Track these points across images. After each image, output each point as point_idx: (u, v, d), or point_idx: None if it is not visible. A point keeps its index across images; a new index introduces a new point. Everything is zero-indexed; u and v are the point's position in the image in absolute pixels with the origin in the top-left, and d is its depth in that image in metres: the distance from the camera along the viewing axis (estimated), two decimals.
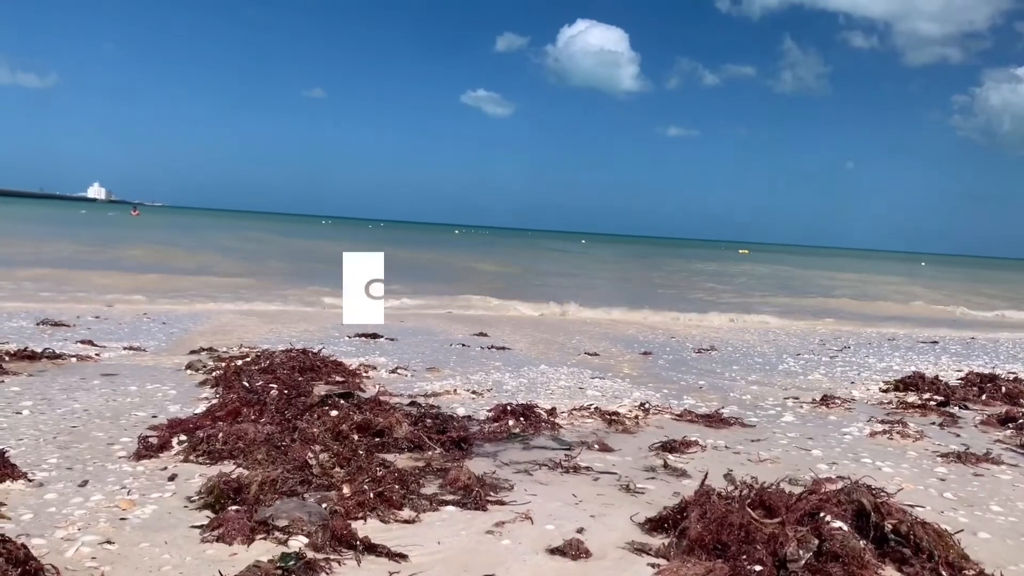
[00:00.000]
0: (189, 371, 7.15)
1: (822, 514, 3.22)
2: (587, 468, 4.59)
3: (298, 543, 3.20)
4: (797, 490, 3.57)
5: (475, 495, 3.87)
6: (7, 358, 6.91)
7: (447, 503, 3.83)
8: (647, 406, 6.41)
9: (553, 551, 3.29)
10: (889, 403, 7.20)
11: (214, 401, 5.75)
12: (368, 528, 3.46)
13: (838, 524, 3.17)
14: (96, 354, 7.82)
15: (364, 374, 7.42)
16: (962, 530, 3.52)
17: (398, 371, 7.82)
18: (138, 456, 4.37)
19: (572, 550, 3.27)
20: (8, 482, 3.78)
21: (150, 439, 4.56)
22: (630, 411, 6.20)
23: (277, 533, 3.27)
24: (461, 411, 5.95)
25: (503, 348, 10.01)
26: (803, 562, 2.99)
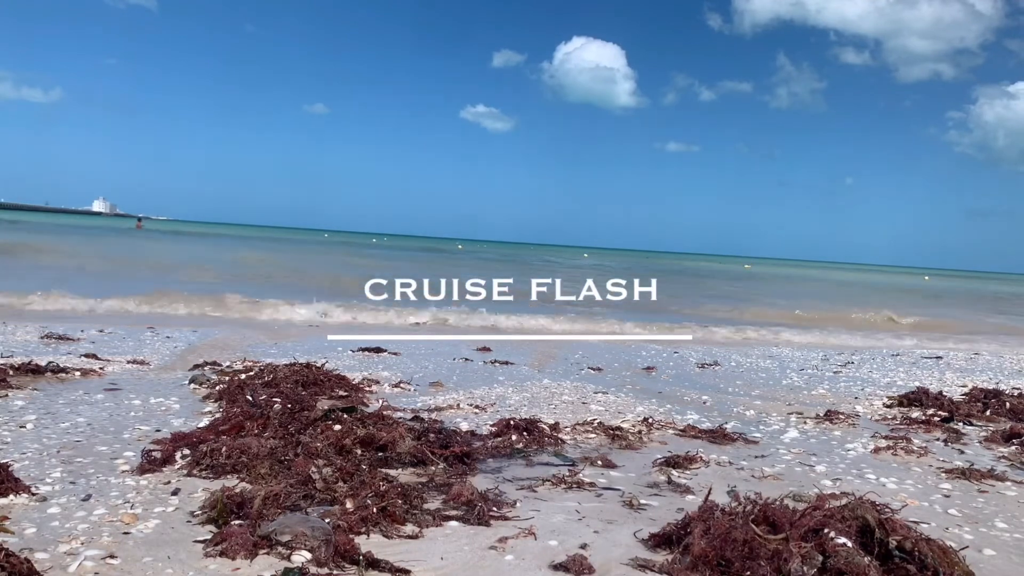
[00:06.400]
0: (192, 385, 7.16)
1: (826, 530, 3.21)
2: (591, 484, 4.58)
3: (301, 558, 3.20)
4: (801, 506, 3.56)
5: (478, 510, 3.86)
6: (12, 372, 6.93)
7: (450, 518, 3.83)
8: (651, 421, 6.40)
9: (556, 567, 3.28)
10: (893, 419, 7.18)
11: (217, 415, 5.76)
12: (371, 543, 3.46)
13: (842, 540, 3.15)
14: (100, 368, 7.84)
15: (367, 388, 7.43)
16: (967, 547, 3.50)
17: (401, 385, 7.82)
18: (141, 470, 4.38)
19: (575, 566, 3.27)
20: (12, 496, 3.78)
21: (153, 453, 4.57)
22: (633, 426, 6.20)
23: (280, 548, 3.27)
24: (464, 426, 5.95)
25: (506, 363, 10.01)
26: None
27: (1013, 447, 6.01)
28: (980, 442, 6.26)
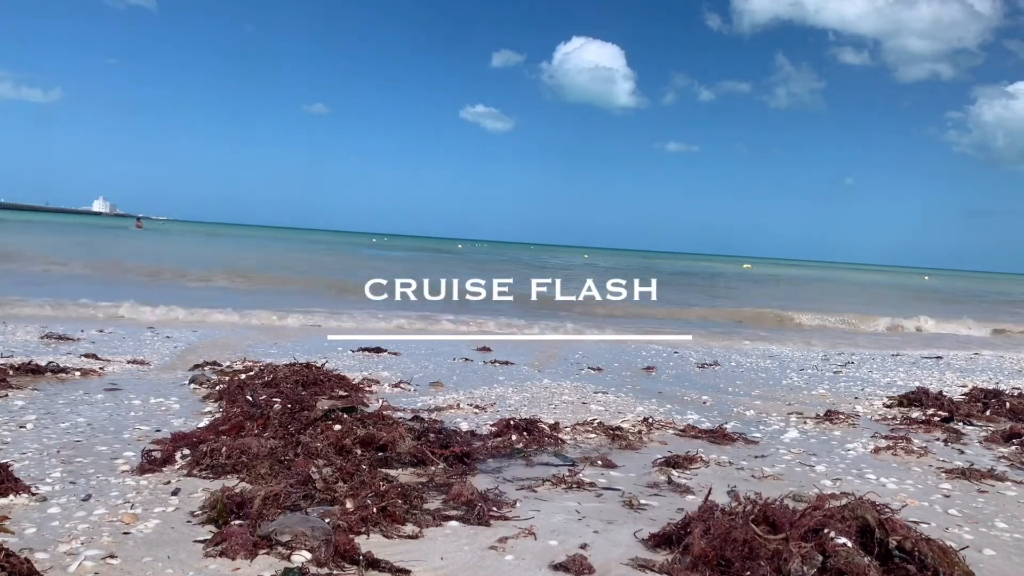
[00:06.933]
0: (192, 385, 7.16)
1: (826, 530, 3.21)
2: (591, 484, 4.58)
3: (301, 558, 3.20)
4: (801, 506, 3.56)
5: (478, 510, 3.86)
6: (11, 372, 6.93)
7: (450, 518, 3.83)
8: (651, 421, 6.40)
9: (556, 567, 3.28)
10: (893, 419, 7.18)
11: (217, 415, 5.76)
12: (371, 543, 3.46)
13: (842, 540, 3.15)
14: (100, 368, 7.84)
15: (367, 388, 7.43)
16: (967, 547, 3.50)
17: (401, 385, 7.82)
18: (141, 470, 4.38)
19: (575, 566, 3.27)
20: (12, 496, 3.78)
21: (153, 453, 4.57)
22: (633, 426, 6.20)
23: (280, 548, 3.27)
24: (464, 426, 5.95)
25: (506, 363, 10.01)
26: None
27: (1013, 447, 6.01)
28: (980, 442, 6.26)
